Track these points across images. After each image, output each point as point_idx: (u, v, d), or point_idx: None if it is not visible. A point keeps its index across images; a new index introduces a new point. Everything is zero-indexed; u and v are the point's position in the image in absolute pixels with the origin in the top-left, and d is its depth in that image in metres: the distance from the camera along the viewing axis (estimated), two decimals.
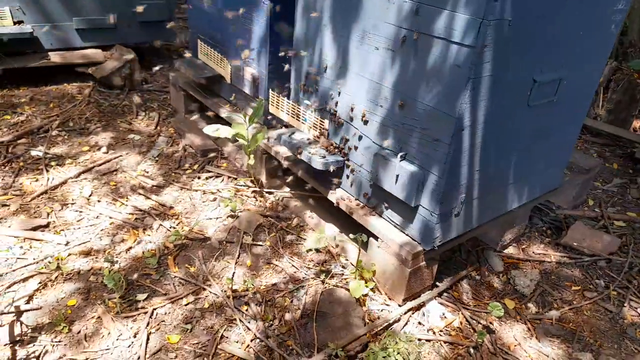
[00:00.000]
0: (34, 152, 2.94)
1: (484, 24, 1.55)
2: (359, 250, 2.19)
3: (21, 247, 2.21)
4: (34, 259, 2.15)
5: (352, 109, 2.15)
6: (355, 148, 2.19)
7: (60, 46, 3.85)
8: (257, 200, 2.74)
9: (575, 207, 2.99)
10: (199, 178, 2.91)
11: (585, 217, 2.89)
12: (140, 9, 3.44)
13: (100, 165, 2.91)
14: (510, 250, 2.60)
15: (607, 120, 4.03)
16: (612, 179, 3.40)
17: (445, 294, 2.25)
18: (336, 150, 2.28)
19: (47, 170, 2.80)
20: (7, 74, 3.64)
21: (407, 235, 2.08)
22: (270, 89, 2.63)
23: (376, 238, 2.16)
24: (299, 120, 2.44)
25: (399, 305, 2.12)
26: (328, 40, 2.18)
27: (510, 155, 2.11)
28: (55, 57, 3.80)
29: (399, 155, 1.96)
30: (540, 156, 2.30)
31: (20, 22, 3.61)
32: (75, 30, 3.86)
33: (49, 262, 2.13)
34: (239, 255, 2.32)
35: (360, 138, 2.15)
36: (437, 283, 2.26)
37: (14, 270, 2.07)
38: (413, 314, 2.11)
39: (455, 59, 1.66)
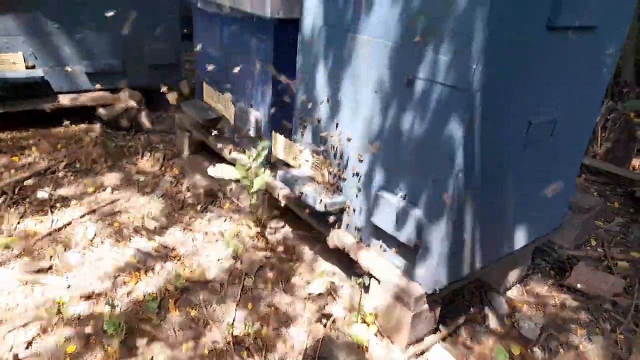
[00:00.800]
0: (40, 194, 2.98)
1: (477, 70, 1.60)
2: (361, 293, 2.18)
3: (23, 291, 2.21)
4: (35, 302, 2.15)
5: (351, 150, 2.19)
6: (356, 188, 2.21)
7: (70, 89, 3.95)
8: (259, 240, 2.75)
9: (577, 247, 2.98)
10: (202, 218, 2.93)
11: (588, 257, 2.88)
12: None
13: (104, 206, 2.94)
14: (514, 291, 2.57)
15: (607, 158, 4.06)
16: (613, 218, 3.40)
17: (449, 338, 2.22)
18: (336, 189, 2.31)
19: (52, 212, 2.83)
20: (16, 116, 3.73)
21: (408, 277, 2.08)
22: (272, 130, 2.68)
23: (378, 280, 2.15)
24: (300, 160, 2.48)
25: (402, 350, 2.09)
26: (326, 83, 2.25)
27: (510, 196, 2.12)
28: (64, 100, 3.90)
29: (398, 196, 1.99)
30: (539, 196, 2.31)
31: (32, 67, 3.73)
32: (85, 74, 3.97)
33: (50, 307, 2.13)
34: (240, 298, 2.31)
35: (360, 178, 2.18)
36: (441, 326, 2.24)
37: (14, 315, 2.07)
38: (417, 359, 2.08)
39: (450, 102, 1.71)
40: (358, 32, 2.02)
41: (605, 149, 4.07)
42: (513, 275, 2.55)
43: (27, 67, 3.69)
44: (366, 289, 2.23)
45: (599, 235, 3.16)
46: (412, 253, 2.01)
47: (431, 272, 1.96)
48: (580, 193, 3.23)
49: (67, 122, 3.84)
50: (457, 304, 2.43)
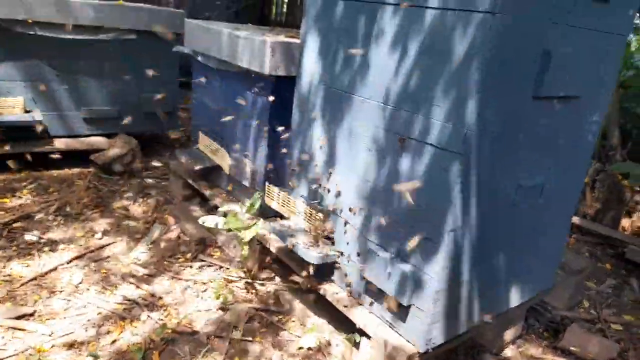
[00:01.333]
0: (28, 237, 2.93)
1: (468, 134, 1.66)
2: (351, 350, 2.13)
3: (2, 337, 2.13)
4: (14, 350, 2.06)
5: (344, 204, 2.21)
6: (349, 243, 2.21)
7: (67, 133, 4.00)
8: (248, 291, 2.70)
9: (570, 308, 2.96)
10: (191, 267, 2.89)
11: (581, 319, 2.85)
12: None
13: (93, 251, 2.90)
14: (508, 352, 2.53)
15: (597, 219, 4.11)
16: (605, 279, 3.40)
17: None
18: (329, 243, 2.31)
19: (40, 256, 2.77)
20: (10, 158, 3.73)
21: (400, 335, 2.04)
22: (266, 181, 2.70)
23: (369, 336, 2.11)
24: (293, 212, 2.49)
25: None
26: (320, 138, 2.30)
27: (502, 256, 2.13)
28: (59, 144, 3.93)
29: (391, 252, 1.99)
30: (531, 256, 2.33)
31: (30, 111, 3.78)
32: (82, 119, 4.03)
33: (30, 355, 2.04)
34: (226, 352, 2.24)
35: (352, 232, 2.18)
36: None
37: None
38: None
39: (443, 164, 1.75)
40: (353, 92, 2.10)
41: (595, 210, 4.13)
42: (507, 335, 2.51)
43: (25, 111, 3.74)
44: (357, 345, 2.17)
45: (591, 297, 3.14)
46: (404, 310, 1.99)
47: (424, 331, 1.93)
48: (571, 254, 3.24)
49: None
50: None
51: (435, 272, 1.84)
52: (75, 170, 3.98)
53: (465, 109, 1.66)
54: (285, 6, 9.07)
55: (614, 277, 3.44)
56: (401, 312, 2.01)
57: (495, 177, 1.87)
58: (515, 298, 2.34)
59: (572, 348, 2.55)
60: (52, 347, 2.12)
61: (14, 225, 3.04)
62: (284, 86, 2.60)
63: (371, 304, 2.15)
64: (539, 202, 2.16)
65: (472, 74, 1.63)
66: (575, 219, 4.04)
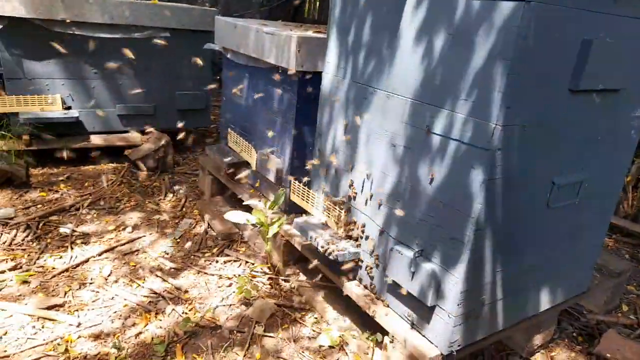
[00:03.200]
0: (62, 230, 3.03)
1: (497, 129, 1.59)
2: (373, 349, 2.10)
3: (33, 327, 2.21)
4: (44, 339, 2.14)
5: (368, 201, 2.17)
6: (372, 240, 2.17)
7: (102, 129, 4.12)
8: (272, 287, 2.70)
9: (607, 312, 2.81)
10: (217, 262, 2.92)
11: (619, 324, 2.71)
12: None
13: (123, 244, 2.97)
14: (538, 357, 2.42)
15: (639, 220, 3.89)
16: None
17: None
18: (352, 240, 2.27)
19: (72, 248, 2.87)
20: (49, 153, 3.88)
21: (423, 336, 1.99)
22: (292, 177, 2.69)
23: (391, 337, 2.06)
24: (317, 209, 2.47)
25: None
26: (344, 134, 2.26)
27: (533, 257, 2.04)
28: (96, 139, 4.05)
29: (415, 251, 1.93)
30: (565, 258, 2.22)
31: (68, 108, 3.91)
32: (117, 116, 4.14)
33: (58, 344, 2.11)
34: (248, 347, 2.24)
35: (375, 229, 2.14)
36: None
37: (22, 351, 2.06)
38: None
39: (470, 161, 1.68)
40: (377, 87, 2.05)
41: (638, 210, 3.92)
42: (537, 339, 2.41)
43: (64, 108, 3.87)
44: (379, 345, 2.14)
45: (631, 301, 2.98)
46: (428, 311, 1.93)
47: (448, 333, 1.87)
48: (610, 256, 3.08)
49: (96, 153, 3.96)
50: None
51: (460, 273, 1.78)
52: (110, 165, 4.10)
53: (493, 103, 1.58)
54: (317, 2, 9.05)
55: None
56: (425, 313, 1.96)
57: (526, 174, 1.78)
58: (545, 301, 2.24)
59: (607, 354, 2.42)
60: (78, 337, 2.18)
61: (50, 218, 3.16)
62: (310, 82, 2.58)
63: (394, 303, 2.11)
64: (575, 201, 2.05)
65: (501, 67, 1.55)
66: (616, 220, 3.84)
